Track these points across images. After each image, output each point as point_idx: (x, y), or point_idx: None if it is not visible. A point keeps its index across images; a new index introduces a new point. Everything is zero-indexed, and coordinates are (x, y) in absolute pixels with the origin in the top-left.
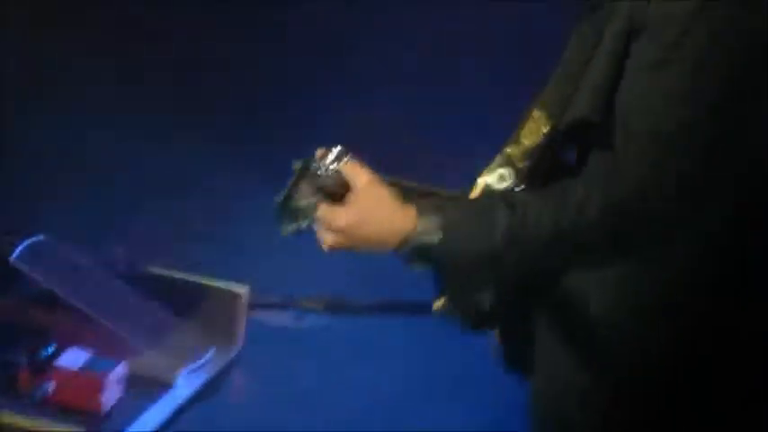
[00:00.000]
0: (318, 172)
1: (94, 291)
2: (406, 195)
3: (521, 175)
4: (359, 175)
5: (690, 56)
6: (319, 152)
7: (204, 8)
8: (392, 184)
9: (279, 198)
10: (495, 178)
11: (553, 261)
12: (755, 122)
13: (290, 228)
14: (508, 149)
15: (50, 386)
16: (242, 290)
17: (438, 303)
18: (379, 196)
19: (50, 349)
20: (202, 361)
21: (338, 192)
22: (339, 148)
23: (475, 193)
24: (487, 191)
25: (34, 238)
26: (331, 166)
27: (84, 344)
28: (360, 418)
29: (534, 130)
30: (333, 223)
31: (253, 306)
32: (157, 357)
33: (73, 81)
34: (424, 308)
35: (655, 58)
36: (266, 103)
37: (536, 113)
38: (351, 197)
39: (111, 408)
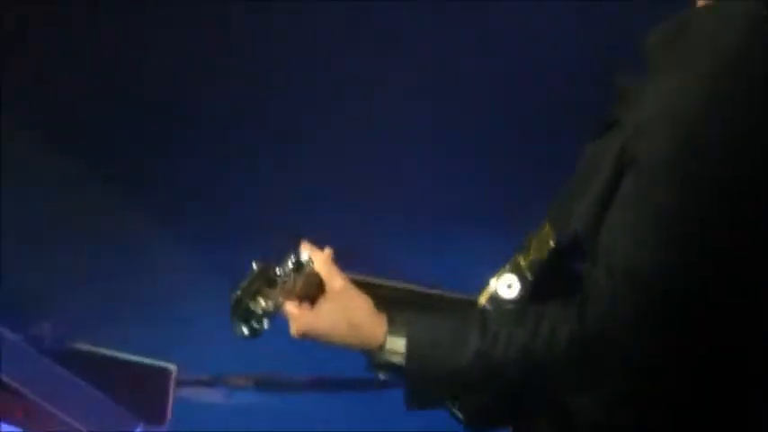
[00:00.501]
0: (279, 274)
1: (23, 367)
2: (380, 298)
3: (527, 287)
4: (334, 279)
5: (658, 204)
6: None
7: None
8: (366, 284)
9: (233, 298)
10: (503, 284)
11: (524, 386)
12: (731, 265)
13: (244, 330)
14: (519, 258)
15: None
16: (170, 367)
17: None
18: (350, 306)
19: None
20: None
21: (310, 289)
22: (306, 253)
23: (483, 297)
24: (482, 304)
25: None
26: (295, 273)
27: (14, 421)
28: None
29: (543, 243)
30: (299, 323)
31: (181, 383)
32: None
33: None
34: (358, 384)
35: (629, 199)
36: (204, 180)
37: (546, 227)
38: (322, 302)
39: None
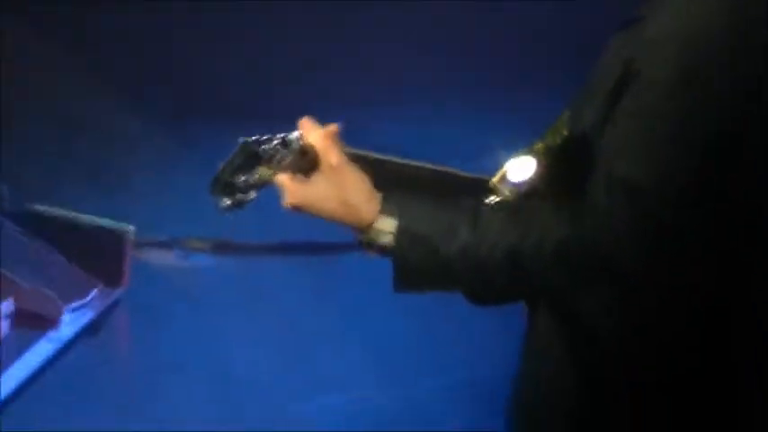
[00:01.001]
0: (267, 151)
1: None
2: (383, 174)
3: (541, 172)
4: (330, 155)
5: (659, 123)
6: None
7: None
8: (369, 160)
9: (217, 173)
10: (517, 167)
11: (510, 285)
12: (736, 186)
13: (225, 203)
14: (537, 143)
15: None
16: (127, 229)
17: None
18: (345, 183)
19: None
20: (87, 299)
21: (305, 165)
22: (296, 133)
23: (496, 178)
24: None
25: None
26: (289, 147)
27: None
28: (243, 361)
29: (559, 130)
30: (291, 195)
31: (138, 245)
32: (42, 295)
33: None
34: (313, 249)
35: (638, 107)
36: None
37: (566, 116)
38: (316, 176)
39: None
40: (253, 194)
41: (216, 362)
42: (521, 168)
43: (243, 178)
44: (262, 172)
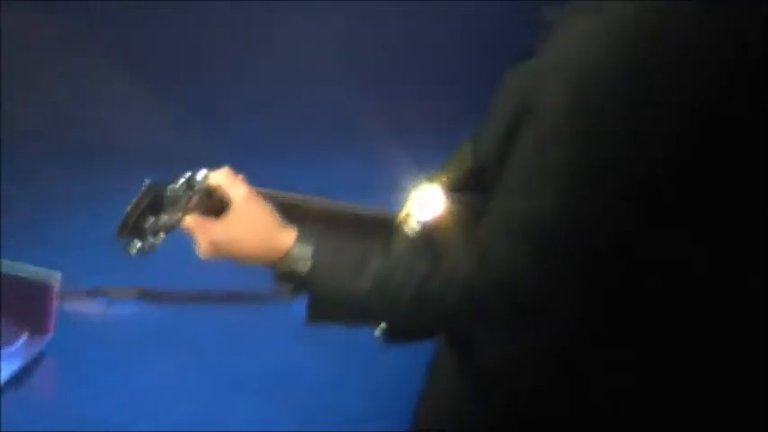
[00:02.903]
0: (173, 191)
1: None
2: (287, 212)
3: (447, 202)
4: (237, 188)
5: (553, 158)
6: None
7: None
8: (273, 198)
9: (124, 216)
10: (422, 199)
11: (419, 319)
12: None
13: (135, 246)
14: (438, 175)
15: None
16: (53, 278)
17: (377, 332)
18: (257, 212)
19: None
20: (14, 348)
21: (213, 205)
22: (203, 171)
23: (402, 213)
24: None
25: None
26: (195, 187)
27: None
28: (166, 409)
29: (463, 161)
30: (204, 236)
31: (63, 295)
32: None
33: None
34: (236, 298)
35: (531, 140)
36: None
37: (468, 146)
38: (228, 212)
39: None
40: (161, 237)
41: (139, 410)
42: (425, 201)
43: (151, 220)
44: (170, 214)
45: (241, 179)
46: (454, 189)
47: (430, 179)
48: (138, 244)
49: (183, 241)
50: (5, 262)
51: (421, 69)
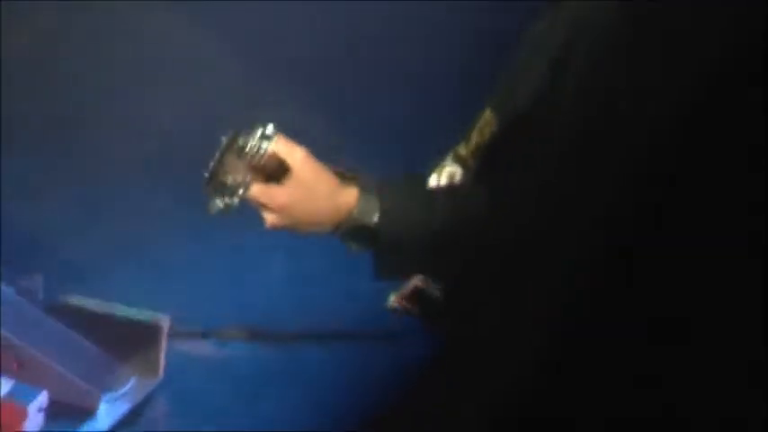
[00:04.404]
0: (247, 145)
1: (17, 320)
2: (342, 177)
3: (470, 174)
4: (295, 151)
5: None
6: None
7: None
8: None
9: (206, 173)
10: (445, 177)
11: (492, 250)
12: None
13: (218, 205)
14: (459, 149)
15: None
16: (163, 320)
17: (391, 300)
18: (317, 172)
19: None
20: (124, 390)
21: (274, 171)
22: (271, 125)
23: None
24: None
25: None
26: (263, 144)
27: (10, 373)
28: None
29: (485, 127)
30: (272, 202)
31: (173, 335)
32: (79, 386)
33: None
34: (351, 336)
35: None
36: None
37: (488, 114)
38: (289, 175)
39: None
40: (236, 200)
41: None
42: (450, 177)
43: (231, 177)
44: (242, 172)
45: (296, 143)
46: (480, 155)
47: (449, 157)
48: (220, 204)
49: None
50: (113, 303)
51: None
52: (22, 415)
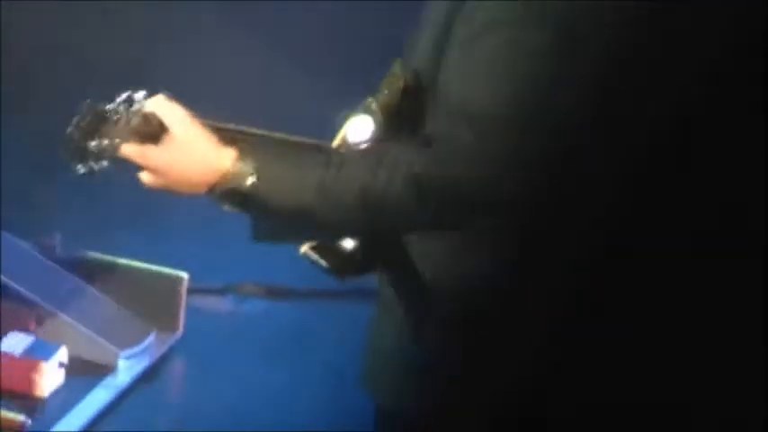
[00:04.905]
0: (107, 110)
1: (35, 276)
2: (226, 139)
3: (379, 128)
4: (172, 112)
5: (492, 46)
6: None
7: None
8: (211, 128)
9: (65, 136)
10: (354, 127)
11: (365, 223)
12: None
13: (79, 170)
14: (371, 100)
15: None
16: (182, 275)
17: (303, 248)
18: (194, 135)
19: None
20: (143, 346)
21: (154, 133)
22: (142, 92)
23: (335, 142)
24: (324, 146)
25: None
26: (130, 108)
27: (27, 330)
28: (299, 405)
29: (393, 83)
30: (145, 163)
31: (192, 292)
32: (98, 341)
33: None
34: (366, 295)
35: (468, 34)
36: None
37: (397, 68)
38: (165, 136)
39: (52, 392)
40: (104, 164)
41: (270, 408)
42: (360, 128)
43: (93, 143)
44: (110, 137)
45: (177, 105)
46: (388, 110)
47: (364, 106)
48: (82, 168)
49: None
50: (132, 259)
51: None
52: (40, 370)
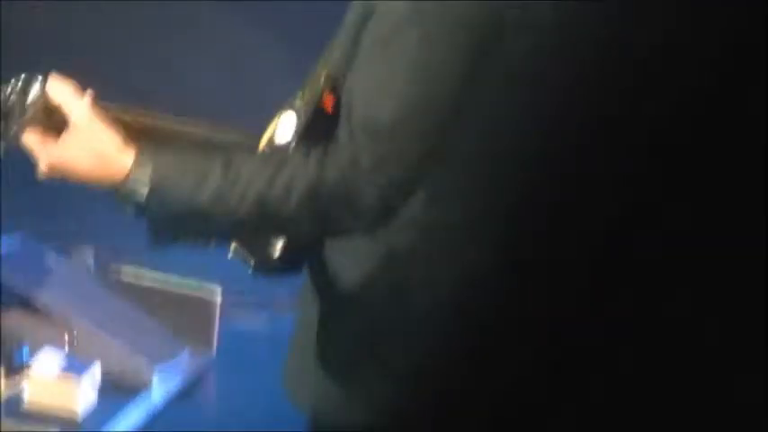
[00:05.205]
0: (5, 97)
1: (68, 292)
2: (135, 133)
3: (301, 125)
4: (75, 107)
5: (401, 47)
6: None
7: None
8: (123, 117)
9: None
10: (283, 124)
11: (261, 229)
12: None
13: None
14: (297, 98)
15: (25, 389)
16: (216, 291)
17: (233, 246)
18: (95, 134)
19: (24, 352)
20: (177, 362)
21: (59, 124)
22: (39, 78)
23: (264, 137)
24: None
25: (6, 239)
26: (23, 96)
27: (60, 345)
28: None
29: (314, 84)
30: (41, 156)
31: (226, 307)
32: (132, 358)
33: None
34: None
35: (370, 45)
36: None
37: (320, 69)
38: (66, 133)
39: (87, 409)
40: (1, 150)
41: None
42: (287, 125)
43: None
44: (9, 126)
45: (85, 98)
46: (308, 111)
47: (290, 103)
48: None
49: None
50: (166, 274)
51: None
52: (75, 387)
